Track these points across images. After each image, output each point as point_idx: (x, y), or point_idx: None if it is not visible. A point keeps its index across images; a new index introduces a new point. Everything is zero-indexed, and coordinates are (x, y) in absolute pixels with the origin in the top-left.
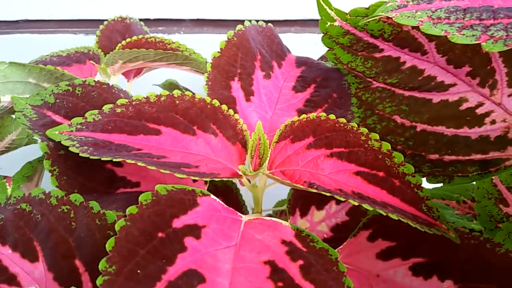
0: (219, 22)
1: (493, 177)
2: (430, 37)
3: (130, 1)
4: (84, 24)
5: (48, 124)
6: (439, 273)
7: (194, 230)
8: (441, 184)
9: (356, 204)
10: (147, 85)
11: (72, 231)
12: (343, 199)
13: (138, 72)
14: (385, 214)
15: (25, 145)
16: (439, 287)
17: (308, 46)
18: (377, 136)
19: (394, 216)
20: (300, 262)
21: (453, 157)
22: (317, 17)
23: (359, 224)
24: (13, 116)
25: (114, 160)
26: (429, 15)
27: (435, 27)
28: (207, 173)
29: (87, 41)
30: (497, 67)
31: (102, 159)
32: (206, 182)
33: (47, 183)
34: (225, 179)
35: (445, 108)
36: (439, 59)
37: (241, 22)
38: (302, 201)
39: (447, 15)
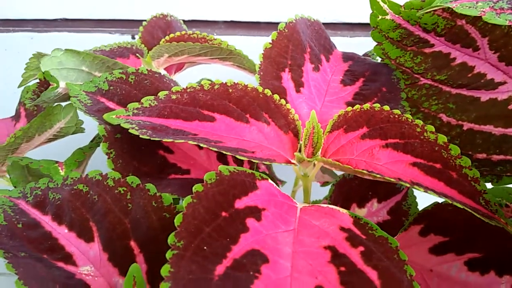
0: (252, 25)
1: None
2: (484, 33)
3: (166, 2)
4: (120, 24)
5: (102, 109)
6: (497, 268)
7: (255, 212)
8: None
9: (422, 191)
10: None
11: (128, 212)
12: (407, 185)
13: (179, 68)
14: (450, 202)
15: (72, 134)
16: (497, 282)
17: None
18: (432, 128)
19: (459, 205)
20: (361, 248)
21: (502, 157)
22: (354, 20)
23: (404, 222)
24: (63, 104)
25: (176, 141)
26: (491, 5)
27: (498, 17)
28: (264, 158)
29: (122, 40)
30: None
31: (155, 142)
32: None
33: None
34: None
35: (494, 107)
36: (491, 55)
37: (274, 24)
38: (343, 198)
39: (510, 5)
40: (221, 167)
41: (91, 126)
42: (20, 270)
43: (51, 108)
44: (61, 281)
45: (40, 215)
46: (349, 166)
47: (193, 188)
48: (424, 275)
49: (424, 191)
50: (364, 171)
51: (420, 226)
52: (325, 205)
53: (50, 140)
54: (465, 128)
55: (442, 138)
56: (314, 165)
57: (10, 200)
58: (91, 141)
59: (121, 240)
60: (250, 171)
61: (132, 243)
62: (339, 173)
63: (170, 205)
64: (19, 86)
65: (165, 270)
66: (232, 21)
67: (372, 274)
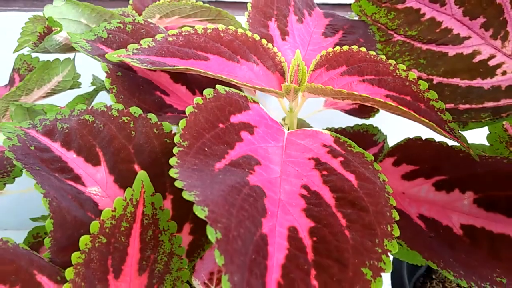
0: (236, 4)
1: (504, 122)
2: None
3: None
4: None
5: (102, 55)
6: (460, 186)
7: (248, 128)
8: None
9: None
10: None
11: (132, 139)
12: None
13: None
14: (418, 117)
15: (69, 89)
16: (460, 198)
17: None
18: (404, 67)
19: (425, 120)
20: (341, 158)
21: (467, 106)
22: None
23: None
24: (61, 59)
25: (176, 67)
26: None
27: None
28: (255, 86)
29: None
30: (509, 18)
31: (153, 85)
32: None
33: None
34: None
35: (460, 61)
36: (456, 10)
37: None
38: None
39: None
40: (218, 86)
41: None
42: (37, 178)
43: (50, 62)
44: (73, 194)
45: (50, 142)
46: (331, 87)
47: (194, 100)
48: (397, 197)
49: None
50: (343, 91)
51: (394, 158)
52: (309, 129)
53: (48, 94)
54: (435, 82)
55: (412, 75)
56: (299, 101)
57: (21, 129)
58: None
59: (125, 164)
60: (244, 93)
61: (136, 166)
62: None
63: (170, 132)
64: (14, 51)
65: (173, 161)
66: (216, 1)
67: (350, 177)
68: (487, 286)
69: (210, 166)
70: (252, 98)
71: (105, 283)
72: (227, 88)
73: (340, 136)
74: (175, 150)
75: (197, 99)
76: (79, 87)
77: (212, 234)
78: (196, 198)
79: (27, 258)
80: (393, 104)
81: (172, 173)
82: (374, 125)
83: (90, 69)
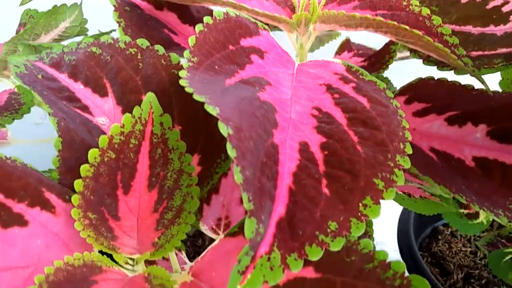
0: None
1: None
2: None
3: None
4: None
5: None
6: (473, 120)
7: (258, 52)
8: None
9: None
10: None
11: (139, 70)
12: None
13: None
14: (433, 42)
15: (76, 35)
16: (473, 131)
17: None
18: (417, 2)
19: (440, 46)
20: (352, 84)
21: (480, 53)
22: None
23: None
24: (68, 4)
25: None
26: None
27: None
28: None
29: None
30: None
31: (160, 22)
32: None
33: None
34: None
35: (473, 8)
36: None
37: None
38: None
39: None
40: (228, 9)
41: None
42: (45, 99)
43: (57, 7)
44: (81, 120)
45: (57, 73)
46: (343, 12)
47: (204, 19)
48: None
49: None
50: (356, 15)
51: (405, 96)
52: (320, 59)
53: (54, 41)
54: None
55: (426, 11)
56: (309, 35)
57: (28, 61)
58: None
59: (133, 95)
60: (254, 19)
61: (143, 97)
62: None
63: (178, 63)
64: (20, 5)
65: (182, 73)
66: None
67: (363, 100)
68: (500, 212)
69: (221, 82)
70: (262, 25)
71: (115, 198)
72: (238, 12)
73: (352, 65)
74: (185, 64)
75: (207, 19)
76: (86, 34)
77: (223, 129)
78: (207, 100)
79: (35, 176)
80: (408, 28)
81: (183, 83)
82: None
83: (96, 15)
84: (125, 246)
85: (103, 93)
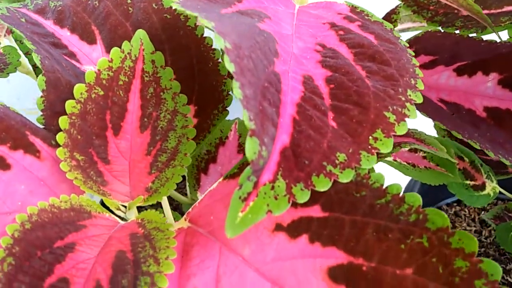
0: None
1: None
2: None
3: None
4: None
5: None
6: (484, 69)
7: None
8: None
9: None
10: None
11: (129, 15)
12: None
13: None
14: None
15: None
16: (483, 81)
17: None
18: None
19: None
20: (358, 23)
21: (486, 11)
22: None
23: None
24: None
25: None
26: None
27: None
28: None
29: None
30: None
31: None
32: None
33: None
34: None
35: None
36: None
37: None
38: None
39: None
40: None
41: None
42: (28, 38)
43: None
44: (68, 65)
45: (42, 19)
46: None
47: None
48: None
49: None
50: None
51: (411, 49)
52: (322, 0)
53: None
54: None
55: None
56: None
57: (11, 7)
58: None
59: (123, 41)
60: None
61: None
62: None
63: (170, 7)
64: None
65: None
66: None
67: (369, 36)
68: None
69: (216, 9)
70: None
71: (104, 140)
72: None
73: (357, 6)
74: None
75: None
76: None
77: (220, 41)
78: (201, 15)
79: (18, 119)
80: None
81: (174, 5)
82: None
83: None
84: (117, 193)
85: (91, 40)
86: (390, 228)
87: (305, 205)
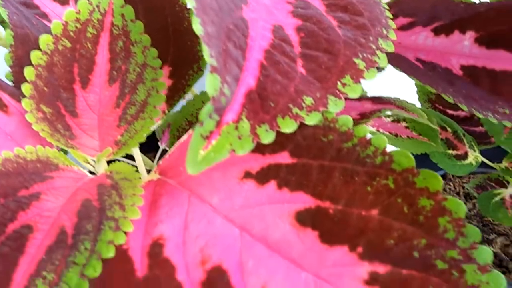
0: None
1: None
2: None
3: None
4: None
5: None
6: (461, 27)
7: None
8: None
9: None
10: None
11: None
12: None
13: None
14: None
15: None
16: (460, 39)
17: None
18: None
19: None
20: None
21: None
22: None
23: None
24: None
25: None
26: None
27: None
28: None
29: None
30: None
31: None
32: None
33: None
34: None
35: None
36: None
37: None
38: None
39: None
40: None
41: None
42: None
43: None
44: (39, 23)
45: None
46: None
47: None
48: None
49: None
50: None
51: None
52: None
53: None
54: None
55: None
56: None
57: None
58: None
59: None
60: None
61: None
62: None
63: None
64: None
65: None
66: None
67: None
68: (489, 114)
69: None
70: None
71: (72, 93)
72: None
73: None
74: None
75: None
76: None
77: None
78: None
79: None
80: None
81: None
82: None
83: None
84: (86, 147)
85: (63, 1)
86: (356, 171)
87: (273, 152)
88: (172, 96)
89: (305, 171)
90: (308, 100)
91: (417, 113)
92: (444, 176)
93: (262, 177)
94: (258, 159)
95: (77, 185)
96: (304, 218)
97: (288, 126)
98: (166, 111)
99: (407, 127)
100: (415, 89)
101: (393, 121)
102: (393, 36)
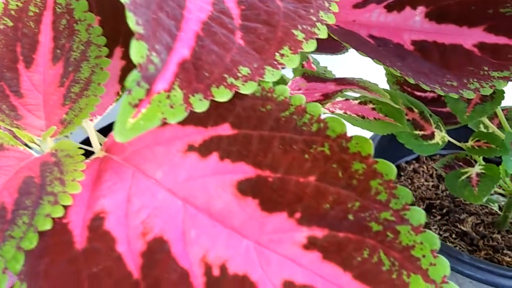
0: None
1: None
2: None
3: None
4: None
5: None
6: (411, 3)
7: None
8: None
9: None
10: None
11: None
12: None
13: None
14: None
15: None
16: (412, 15)
17: None
18: None
19: None
20: None
21: None
22: None
23: None
24: None
25: None
26: None
27: None
28: None
29: None
30: None
31: None
32: None
33: None
34: None
35: None
36: None
37: None
38: None
39: None
40: None
41: None
42: None
43: None
44: None
45: None
46: None
47: None
48: (347, 24)
49: None
50: None
51: None
52: None
53: None
54: None
55: None
56: None
57: None
58: None
59: None
60: None
61: None
62: None
63: None
64: None
65: None
66: None
67: None
68: (436, 87)
69: None
70: None
71: (15, 72)
72: None
73: None
74: None
75: None
76: None
77: None
78: None
79: None
80: None
81: None
82: None
83: None
84: (32, 127)
85: None
86: (295, 140)
87: (215, 124)
88: (124, 77)
89: (246, 142)
90: (244, 70)
91: (379, 93)
92: (417, 159)
93: (204, 149)
94: (201, 132)
95: (21, 164)
96: (245, 188)
97: (222, 95)
98: (120, 93)
99: (373, 109)
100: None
101: (360, 103)
102: (335, 8)
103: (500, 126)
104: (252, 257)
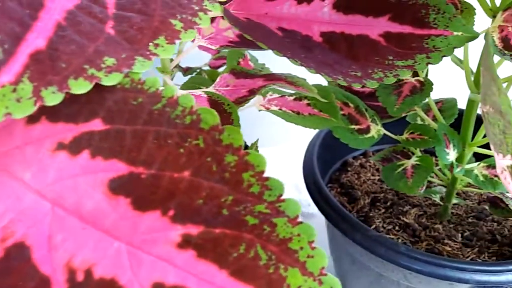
0: None
1: None
2: None
3: None
4: None
5: None
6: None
7: None
8: None
9: None
10: None
11: None
12: None
13: None
14: None
15: None
16: (320, 6)
17: None
18: None
19: None
20: None
21: None
22: None
23: None
24: None
25: None
26: None
27: None
28: None
29: None
30: None
31: None
32: None
33: None
34: None
35: None
36: None
37: None
38: None
39: None
40: None
41: None
42: None
43: None
44: None
45: None
46: None
47: None
48: (259, 18)
49: None
50: None
51: None
52: None
53: None
54: None
55: None
56: None
57: None
58: None
59: None
60: None
61: None
62: None
63: None
64: None
65: None
66: None
67: None
68: (339, 77)
69: None
70: None
71: None
72: None
73: None
74: None
75: None
76: None
77: None
78: None
79: None
80: None
81: None
82: None
83: None
84: None
85: None
86: (169, 134)
87: (86, 120)
88: None
89: (119, 138)
90: (109, 61)
91: (307, 88)
92: (364, 154)
93: (75, 147)
94: (72, 129)
95: None
96: (117, 186)
97: (80, 87)
98: None
99: (308, 105)
100: None
101: (295, 99)
102: None
103: (435, 119)
104: (122, 259)
